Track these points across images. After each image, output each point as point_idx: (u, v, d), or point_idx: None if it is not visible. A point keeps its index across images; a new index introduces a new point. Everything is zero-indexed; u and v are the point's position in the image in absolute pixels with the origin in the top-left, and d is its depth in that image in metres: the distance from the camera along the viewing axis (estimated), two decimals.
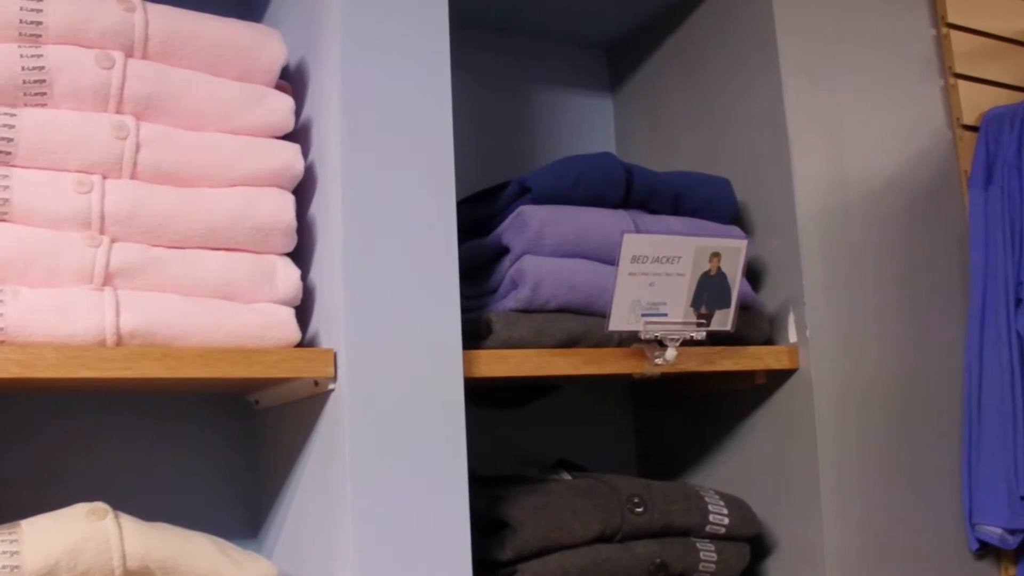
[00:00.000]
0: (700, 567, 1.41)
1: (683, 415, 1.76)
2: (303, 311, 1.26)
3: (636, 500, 1.39)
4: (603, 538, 1.36)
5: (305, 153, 1.30)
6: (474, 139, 1.78)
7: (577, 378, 1.44)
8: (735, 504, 1.47)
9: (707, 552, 1.42)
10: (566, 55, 1.97)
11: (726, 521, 1.44)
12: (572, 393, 1.80)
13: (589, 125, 1.95)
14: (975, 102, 1.76)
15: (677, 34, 1.81)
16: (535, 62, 1.93)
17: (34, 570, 1.05)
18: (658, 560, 1.37)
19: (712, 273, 1.35)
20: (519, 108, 1.89)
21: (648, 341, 1.35)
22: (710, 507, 1.44)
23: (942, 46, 1.75)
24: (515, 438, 1.74)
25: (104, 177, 1.16)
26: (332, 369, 1.18)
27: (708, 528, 1.43)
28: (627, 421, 1.88)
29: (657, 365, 1.37)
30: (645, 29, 1.89)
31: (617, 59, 1.99)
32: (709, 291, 1.36)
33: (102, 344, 1.10)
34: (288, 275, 1.23)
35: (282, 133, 1.28)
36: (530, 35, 1.92)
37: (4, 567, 1.04)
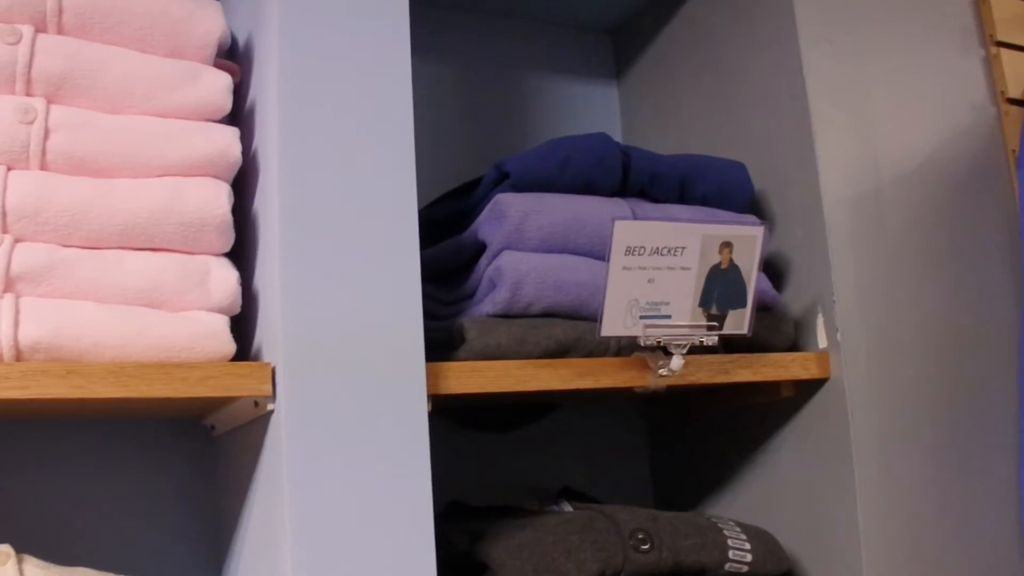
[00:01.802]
0: None
1: (700, 434, 1.63)
2: (247, 322, 1.12)
3: (641, 535, 1.22)
4: None
5: (250, 139, 1.17)
6: (468, 132, 1.69)
7: (571, 394, 1.30)
8: (759, 537, 1.31)
9: None
10: (567, 40, 1.86)
11: (748, 557, 1.28)
12: (577, 412, 1.67)
13: (593, 114, 1.84)
14: (1021, 73, 1.61)
15: (684, 10, 1.70)
16: (533, 48, 1.82)
17: None
18: None
19: (723, 266, 1.20)
20: (517, 98, 1.79)
21: (651, 348, 1.20)
22: (729, 541, 1.28)
23: (981, 12, 1.62)
24: (515, 464, 1.61)
25: (8, 168, 1.03)
26: (269, 386, 1.03)
27: (728, 566, 1.26)
28: (639, 442, 1.75)
29: (662, 377, 1.21)
30: (650, 7, 1.79)
31: (621, 43, 1.88)
32: (720, 288, 1.20)
33: None
34: (223, 278, 1.08)
35: (219, 116, 1.14)
36: (527, 19, 1.82)
37: None
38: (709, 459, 1.60)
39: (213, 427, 1.31)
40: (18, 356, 0.97)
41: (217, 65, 1.15)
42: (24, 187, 1.02)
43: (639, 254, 1.15)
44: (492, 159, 1.31)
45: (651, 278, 1.16)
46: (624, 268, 1.14)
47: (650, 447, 1.74)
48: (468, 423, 1.46)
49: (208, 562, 1.35)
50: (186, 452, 1.37)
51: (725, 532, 1.29)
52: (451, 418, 1.45)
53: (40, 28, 1.07)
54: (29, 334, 0.98)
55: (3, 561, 0.98)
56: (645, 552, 1.21)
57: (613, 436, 1.71)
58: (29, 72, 1.05)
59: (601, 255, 1.22)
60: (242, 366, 1.03)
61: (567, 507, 1.33)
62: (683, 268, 1.18)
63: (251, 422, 1.13)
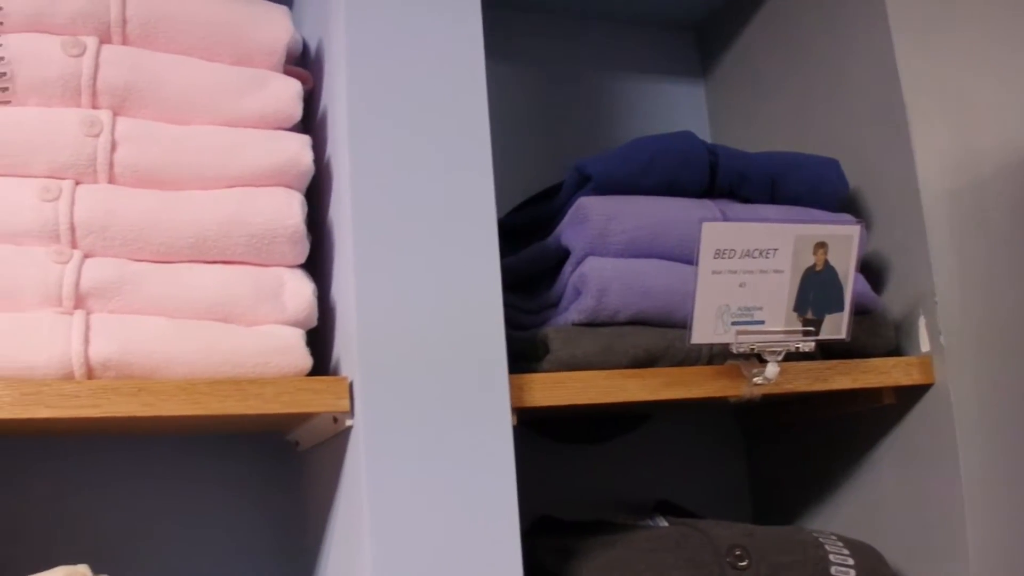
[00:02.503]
0: None
1: (797, 443, 1.58)
2: (324, 335, 1.09)
3: (738, 552, 1.17)
4: None
5: (323, 147, 1.14)
6: (551, 136, 1.65)
7: (663, 404, 1.25)
8: (862, 552, 1.25)
9: None
10: (650, 39, 1.82)
11: (852, 573, 1.22)
12: (670, 422, 1.63)
13: (678, 113, 1.80)
14: None
15: (769, 4, 1.65)
16: (616, 49, 1.78)
17: None
18: None
19: (818, 268, 1.14)
20: (600, 99, 1.74)
21: (744, 356, 1.14)
22: (831, 556, 1.22)
23: None
24: (607, 477, 1.56)
25: (75, 182, 1.01)
26: (347, 402, 0.99)
27: None
28: (736, 453, 1.69)
29: (756, 385, 1.16)
30: (734, 2, 1.74)
31: (706, 40, 1.84)
32: (816, 291, 1.14)
33: (69, 377, 0.95)
34: (298, 290, 1.05)
35: (289, 124, 1.11)
36: (609, 20, 1.77)
37: None
38: (807, 469, 1.55)
39: (297, 443, 1.28)
40: (89, 373, 0.95)
41: (287, 72, 1.13)
42: (92, 201, 1.00)
43: (729, 257, 1.10)
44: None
45: (743, 282, 1.11)
46: (714, 272, 1.09)
47: (747, 458, 1.69)
48: (558, 436, 1.42)
49: (293, 569, 1.33)
50: (270, 468, 1.35)
51: (826, 547, 1.23)
52: (540, 431, 1.41)
53: (104, 39, 1.05)
54: (99, 351, 0.96)
55: None
56: (742, 569, 1.16)
57: (707, 447, 1.67)
58: (94, 84, 1.03)
59: (689, 259, 1.17)
60: (318, 381, 1.00)
61: (662, 522, 1.29)
62: (776, 271, 1.12)
63: (332, 438, 1.10)
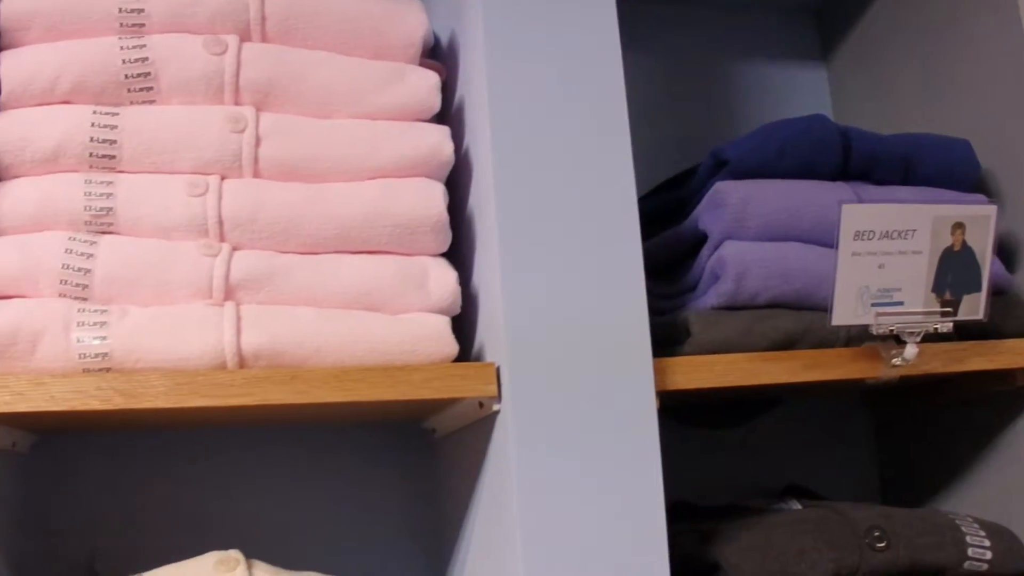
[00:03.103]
0: None
1: (927, 426, 1.56)
2: (466, 323, 1.11)
3: (877, 533, 1.16)
4: None
5: (459, 137, 1.16)
6: (676, 123, 1.65)
7: (799, 388, 1.25)
8: (998, 534, 1.24)
9: None
10: (770, 24, 1.80)
11: (988, 555, 1.21)
12: (797, 407, 1.62)
13: (802, 97, 1.78)
14: None
15: None
16: (737, 35, 1.77)
17: None
18: None
19: (956, 248, 1.13)
20: (720, 87, 1.74)
21: (882, 337, 1.14)
22: (968, 538, 1.21)
23: None
24: (736, 463, 1.56)
25: (221, 177, 1.04)
26: (495, 387, 1.01)
27: (967, 565, 1.19)
28: (864, 437, 1.68)
29: (895, 367, 1.15)
30: None
31: (827, 22, 1.81)
32: (954, 272, 1.14)
33: (222, 367, 0.97)
34: (442, 279, 1.07)
35: (428, 115, 1.13)
36: (729, 7, 1.76)
37: None
38: (938, 452, 1.54)
39: (434, 430, 1.30)
40: (241, 363, 0.98)
41: (422, 65, 1.14)
42: (239, 196, 1.03)
43: (868, 239, 1.10)
44: (701, 149, 1.28)
45: (882, 263, 1.11)
46: (854, 254, 1.09)
47: (876, 442, 1.68)
48: (688, 421, 1.42)
49: (430, 561, 1.35)
50: (407, 455, 1.37)
51: (963, 529, 1.22)
52: (670, 415, 1.41)
53: (244, 37, 1.07)
54: (251, 341, 0.98)
55: (233, 566, 0.99)
56: (881, 551, 1.16)
57: (836, 431, 1.65)
58: (237, 81, 1.05)
59: (824, 242, 1.17)
60: (466, 367, 1.02)
61: (795, 504, 1.29)
62: (914, 252, 1.12)
63: (475, 423, 1.11)
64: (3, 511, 1.14)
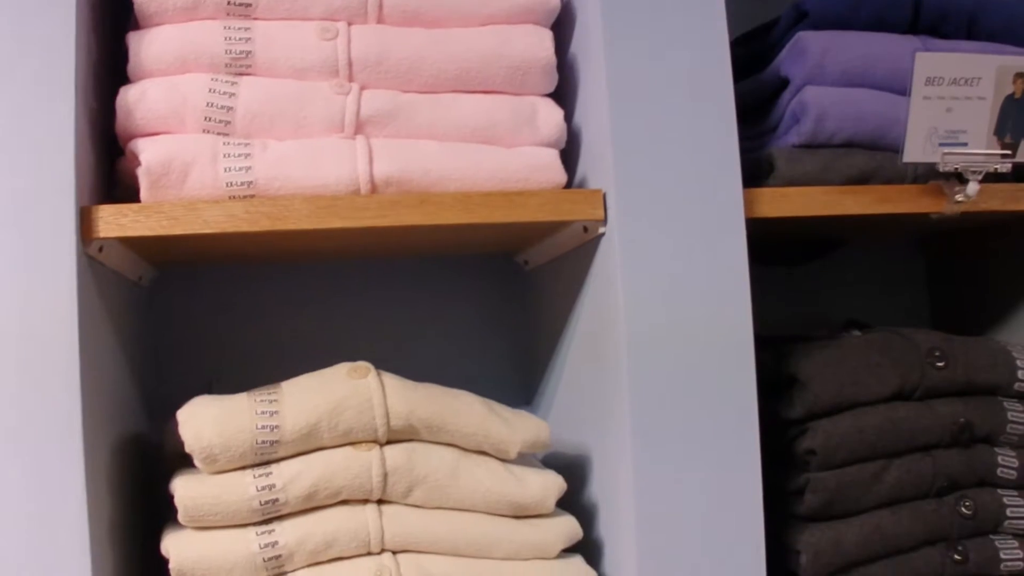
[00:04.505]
0: (1008, 428, 1.28)
1: (976, 272, 1.62)
2: (568, 155, 1.19)
3: (937, 353, 1.26)
4: (901, 395, 1.25)
5: None
6: None
7: (866, 224, 1.34)
8: None
9: (1016, 413, 1.29)
10: None
11: None
12: (857, 251, 1.68)
13: None
14: None
15: None
16: None
17: (294, 430, 1.03)
18: (962, 420, 1.25)
19: (1017, 96, 1.21)
20: None
21: (947, 175, 1.22)
22: (1019, 362, 1.30)
23: None
24: (796, 302, 1.64)
25: (348, 23, 1.12)
26: (601, 211, 1.10)
27: (1017, 386, 1.29)
28: (917, 282, 1.74)
29: (958, 203, 1.23)
30: None
31: None
32: (1014, 118, 1.21)
33: (356, 193, 1.07)
34: (550, 115, 1.16)
35: None
36: None
37: (264, 427, 1.02)
38: (987, 297, 1.60)
39: (526, 262, 1.39)
40: (373, 189, 1.07)
41: None
42: (365, 39, 1.11)
43: (938, 84, 1.17)
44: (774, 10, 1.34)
45: (949, 107, 1.19)
46: (924, 98, 1.17)
47: (928, 288, 1.74)
48: (759, 258, 1.49)
49: (521, 380, 1.46)
50: (499, 285, 1.47)
51: (1014, 354, 1.31)
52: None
53: None
54: (382, 169, 1.08)
55: (364, 374, 1.07)
56: (940, 369, 1.26)
57: (892, 278, 1.72)
58: None
59: (895, 89, 1.25)
60: (576, 193, 1.11)
61: (857, 334, 1.36)
62: (979, 98, 1.20)
63: (574, 250, 1.20)
64: (129, 341, 1.21)
